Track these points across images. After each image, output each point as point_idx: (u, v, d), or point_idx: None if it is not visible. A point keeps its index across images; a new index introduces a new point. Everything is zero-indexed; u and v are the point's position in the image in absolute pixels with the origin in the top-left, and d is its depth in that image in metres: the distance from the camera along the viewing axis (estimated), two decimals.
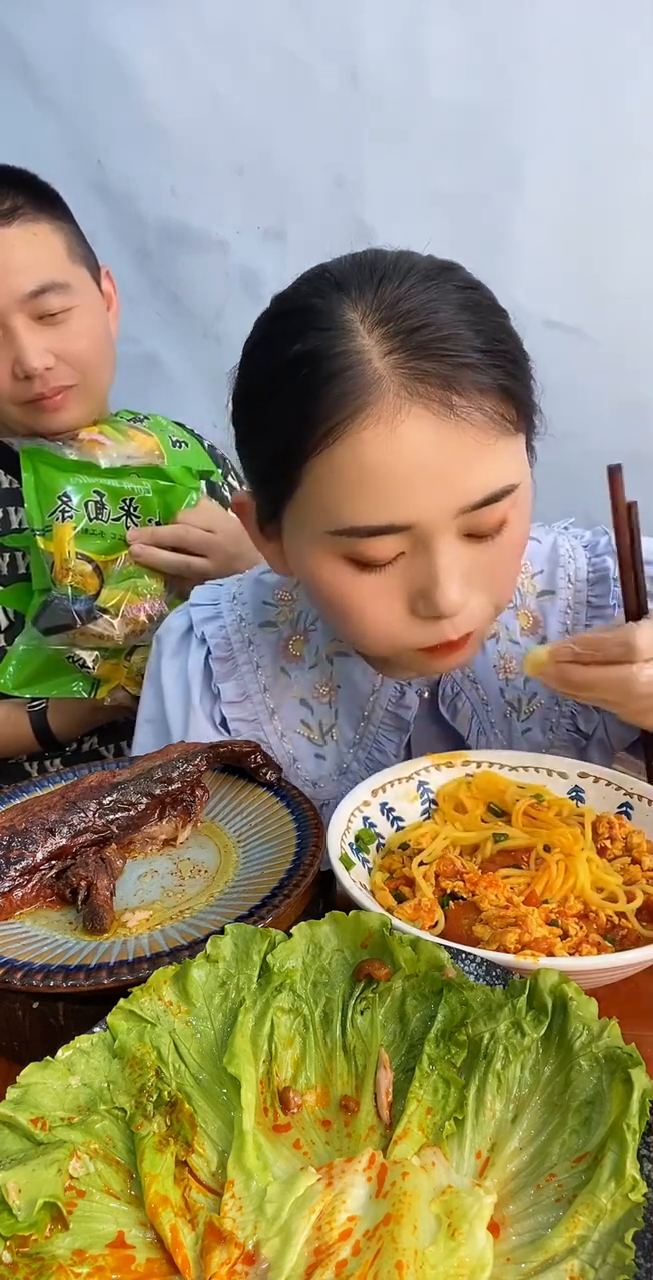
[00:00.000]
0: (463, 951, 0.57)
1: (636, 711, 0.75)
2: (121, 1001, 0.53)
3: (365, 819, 0.80)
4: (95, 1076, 0.51)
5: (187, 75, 1.92)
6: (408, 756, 0.97)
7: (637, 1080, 0.46)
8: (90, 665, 1.26)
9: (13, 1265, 0.42)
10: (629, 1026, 0.50)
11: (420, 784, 0.84)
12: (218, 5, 1.86)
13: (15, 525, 1.33)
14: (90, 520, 1.23)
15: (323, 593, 0.80)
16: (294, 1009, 0.54)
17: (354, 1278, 0.41)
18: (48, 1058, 0.50)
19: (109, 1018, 0.52)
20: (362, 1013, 0.54)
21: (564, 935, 0.66)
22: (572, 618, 0.97)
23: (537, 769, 0.85)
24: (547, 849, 0.74)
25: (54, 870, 0.72)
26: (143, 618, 1.23)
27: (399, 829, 0.81)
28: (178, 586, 1.28)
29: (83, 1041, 0.52)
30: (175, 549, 1.25)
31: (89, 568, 1.23)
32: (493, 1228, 0.43)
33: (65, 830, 0.73)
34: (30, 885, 0.71)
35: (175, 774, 0.80)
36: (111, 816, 0.76)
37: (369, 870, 0.76)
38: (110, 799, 0.77)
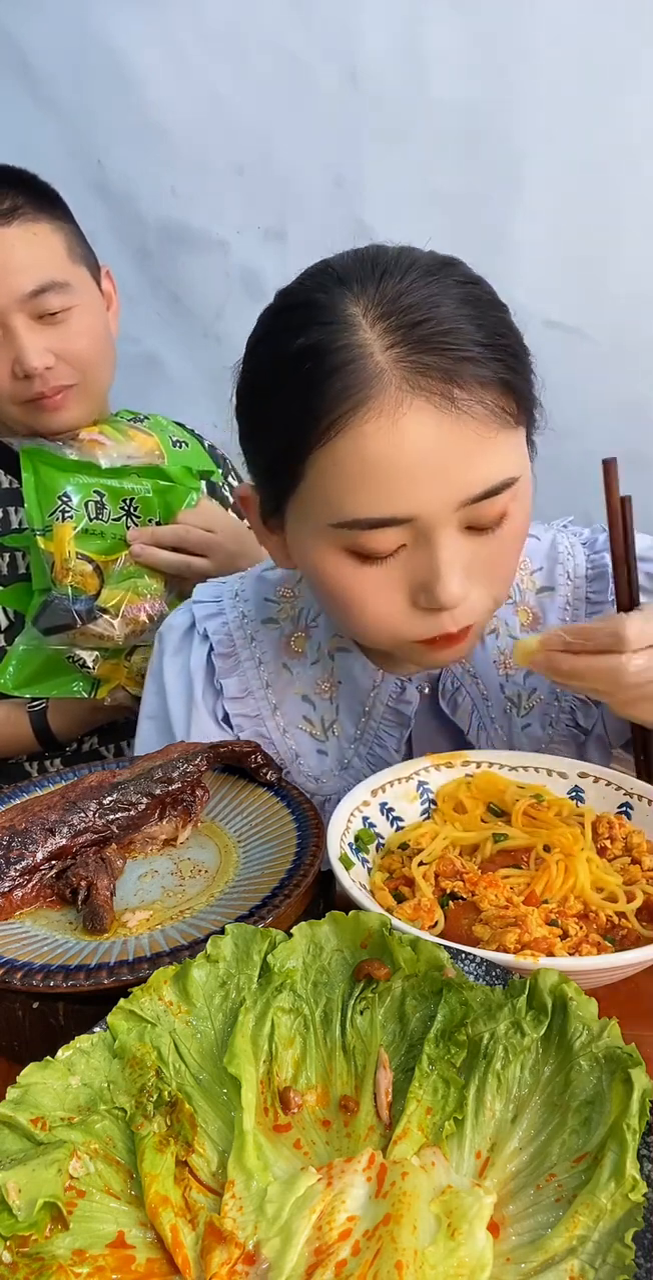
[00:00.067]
0: (463, 951, 0.57)
1: (624, 702, 0.76)
2: (121, 1001, 0.53)
3: (365, 819, 0.80)
4: (95, 1076, 0.51)
5: (187, 75, 1.92)
6: (409, 751, 0.98)
7: (637, 1080, 0.46)
8: (90, 665, 1.26)
9: (13, 1265, 0.42)
10: (629, 1026, 0.50)
11: (420, 784, 0.84)
12: (218, 5, 1.86)
13: (15, 525, 1.33)
14: (90, 520, 1.23)
15: (325, 585, 0.81)
16: (294, 1009, 0.54)
17: (354, 1278, 0.41)
18: (48, 1058, 0.50)
19: (109, 1018, 0.52)
20: (362, 1013, 0.54)
21: (564, 935, 0.66)
22: (571, 614, 0.98)
23: (537, 769, 0.85)
24: (547, 849, 0.74)
25: (54, 870, 0.72)
26: (143, 618, 1.23)
27: (399, 829, 0.81)
28: (178, 586, 1.28)
29: (83, 1041, 0.52)
30: (175, 549, 1.25)
31: (89, 568, 1.23)
32: (493, 1228, 0.43)
33: (65, 830, 0.73)
34: (30, 885, 0.71)
35: (175, 774, 0.80)
36: (111, 816, 0.76)
37: (369, 870, 0.76)
38: (110, 799, 0.77)
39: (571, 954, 0.64)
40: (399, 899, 0.72)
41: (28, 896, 0.71)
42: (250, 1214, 0.44)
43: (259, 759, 0.85)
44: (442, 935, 0.66)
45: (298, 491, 0.78)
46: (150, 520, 1.27)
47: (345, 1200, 0.44)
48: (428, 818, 0.82)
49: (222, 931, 0.56)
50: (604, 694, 0.77)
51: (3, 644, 1.32)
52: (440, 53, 1.75)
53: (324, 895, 0.74)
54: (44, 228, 1.21)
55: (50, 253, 1.21)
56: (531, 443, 0.82)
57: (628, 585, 0.85)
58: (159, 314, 2.14)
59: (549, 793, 0.82)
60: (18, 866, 0.71)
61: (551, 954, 0.62)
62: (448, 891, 0.71)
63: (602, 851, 0.76)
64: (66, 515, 1.22)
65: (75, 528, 1.22)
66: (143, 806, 0.77)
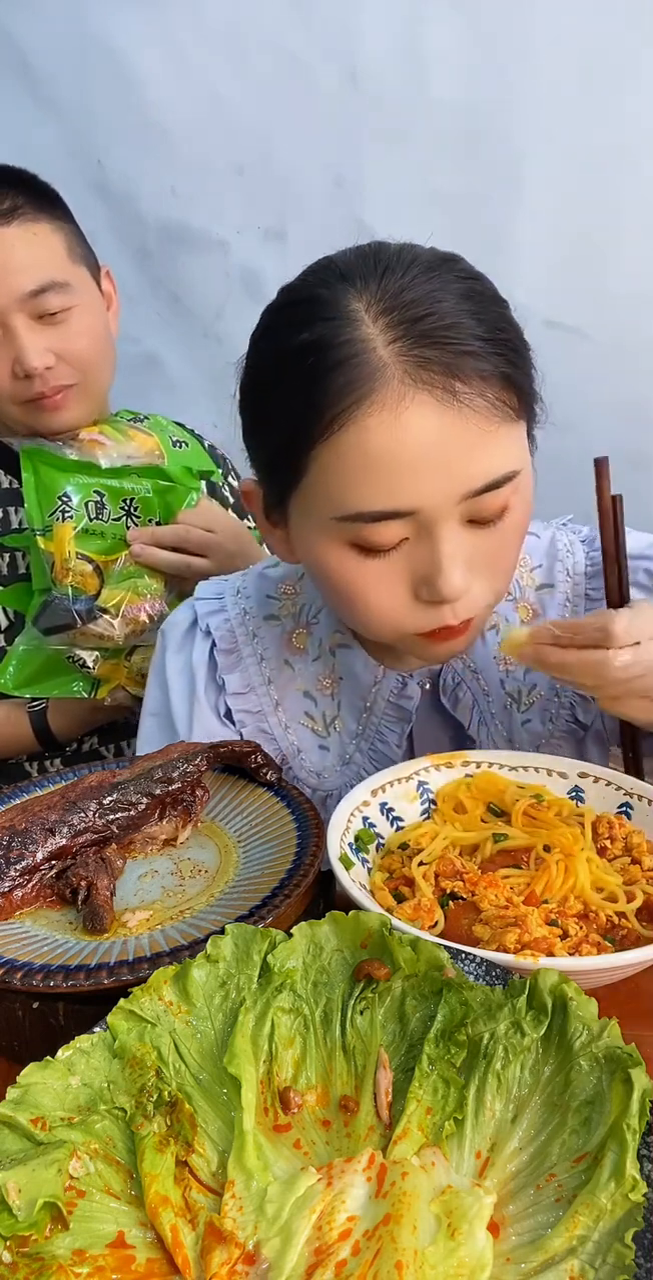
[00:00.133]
0: (463, 951, 0.57)
1: (611, 697, 0.78)
2: (121, 1001, 0.53)
3: (365, 819, 0.80)
4: (95, 1076, 0.51)
5: (187, 75, 1.92)
6: (410, 747, 0.98)
7: (637, 1080, 0.46)
8: (90, 665, 1.26)
9: (13, 1265, 0.42)
10: (629, 1026, 0.50)
11: (420, 784, 0.84)
12: (218, 5, 1.86)
13: (15, 525, 1.33)
14: (90, 520, 1.23)
15: (329, 579, 0.81)
16: (294, 1009, 0.54)
17: (354, 1278, 0.41)
18: (48, 1058, 0.50)
19: (109, 1018, 0.52)
20: (362, 1013, 0.54)
21: (564, 935, 0.66)
22: (571, 610, 0.99)
23: (537, 769, 0.85)
24: (547, 849, 0.74)
25: (54, 870, 0.72)
26: (143, 618, 1.23)
27: (399, 829, 0.81)
28: (178, 586, 1.28)
29: (83, 1041, 0.52)
30: (175, 549, 1.25)
31: (89, 568, 1.23)
32: (493, 1228, 0.43)
33: (65, 830, 0.73)
34: (30, 885, 0.71)
35: (175, 774, 0.80)
36: (111, 816, 0.76)
37: (369, 870, 0.76)
38: (110, 799, 0.77)
39: (571, 954, 0.64)
40: (399, 899, 0.72)
41: (28, 896, 0.71)
42: (250, 1214, 0.44)
43: (259, 759, 0.85)
44: (442, 935, 0.66)
45: (301, 486, 0.79)
46: (150, 520, 1.27)
47: (345, 1200, 0.44)
48: (428, 818, 0.82)
49: (222, 931, 0.56)
50: (591, 688, 0.78)
51: (3, 644, 1.32)
52: (440, 53, 1.75)
53: (324, 895, 0.74)
54: (44, 228, 1.21)
55: (50, 253, 1.21)
56: (531, 437, 0.82)
57: (618, 583, 0.86)
58: (159, 314, 2.14)
59: (549, 793, 0.82)
60: (18, 866, 0.71)
61: (551, 954, 0.62)
62: (448, 891, 0.71)
63: (602, 851, 0.76)
64: (66, 515, 1.22)
65: (75, 528, 1.22)
66: (143, 806, 0.77)
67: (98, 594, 1.22)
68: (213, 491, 1.40)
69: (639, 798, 0.80)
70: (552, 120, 1.72)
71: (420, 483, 0.73)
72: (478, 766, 0.86)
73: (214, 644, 1.01)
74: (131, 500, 1.26)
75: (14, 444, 1.29)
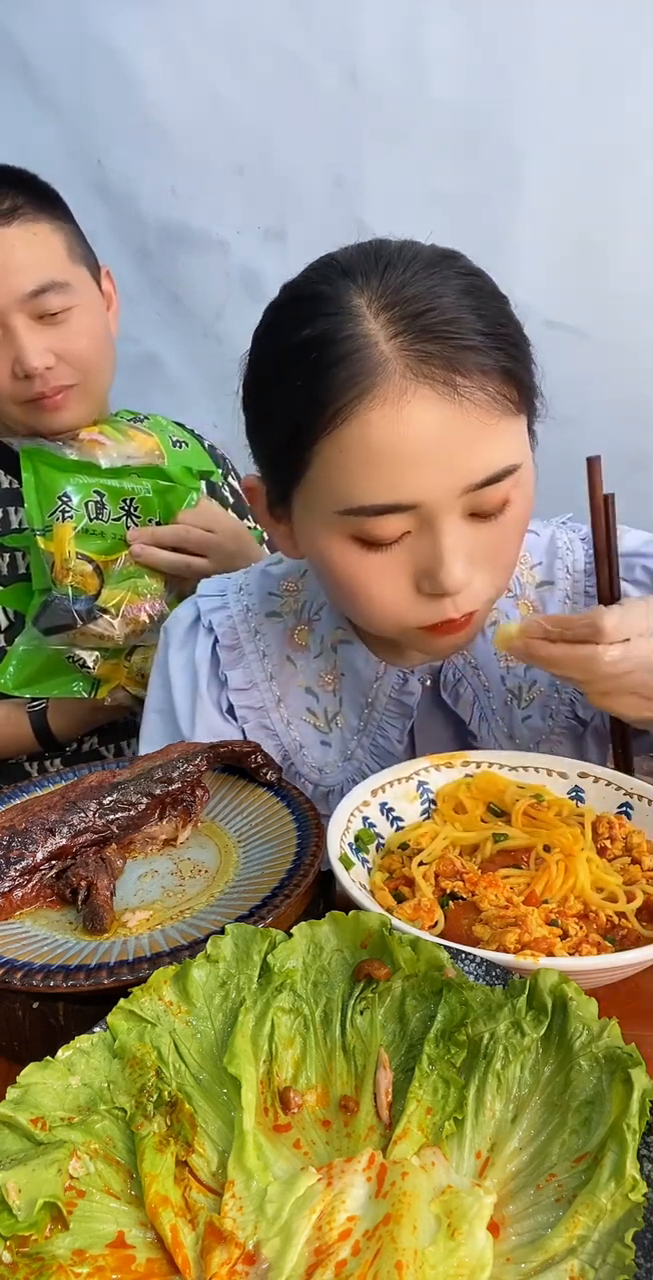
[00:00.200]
0: (463, 951, 0.57)
1: (601, 692, 0.78)
2: (121, 1001, 0.53)
3: (365, 819, 0.80)
4: (95, 1076, 0.51)
5: (187, 75, 1.92)
6: (412, 743, 0.99)
7: (637, 1080, 0.46)
8: (90, 665, 1.26)
9: (13, 1265, 0.42)
10: (629, 1026, 0.50)
11: (420, 784, 0.84)
12: (218, 5, 1.86)
13: (15, 525, 1.33)
14: (90, 520, 1.23)
15: (332, 573, 0.82)
16: (294, 1009, 0.54)
17: (354, 1278, 0.41)
18: (48, 1058, 0.50)
19: (109, 1018, 0.52)
20: (362, 1013, 0.54)
21: (564, 935, 0.66)
22: (570, 608, 1.00)
23: (537, 769, 0.85)
24: (547, 849, 0.74)
25: (54, 870, 0.72)
26: (143, 618, 1.23)
27: (399, 829, 0.81)
28: (178, 586, 1.28)
29: (83, 1041, 0.52)
30: (175, 549, 1.25)
31: (89, 568, 1.23)
32: (493, 1228, 0.43)
33: (65, 830, 0.73)
34: (30, 885, 0.71)
35: (175, 774, 0.80)
36: (111, 816, 0.76)
37: (369, 870, 0.76)
38: (110, 799, 0.77)
39: (571, 954, 0.64)
40: (399, 899, 0.72)
41: (28, 896, 0.71)
42: (250, 1214, 0.44)
43: (259, 759, 0.85)
44: (442, 935, 0.66)
45: (304, 480, 0.79)
46: (150, 520, 1.27)
47: (345, 1200, 0.44)
48: (428, 818, 0.82)
49: (222, 931, 0.56)
50: (581, 683, 0.79)
51: (3, 644, 1.32)
52: (440, 53, 1.75)
53: (324, 895, 0.74)
54: (44, 228, 1.21)
55: (50, 253, 1.21)
56: (532, 432, 0.83)
57: (609, 581, 0.87)
58: (159, 314, 2.14)
59: (549, 793, 0.82)
60: (18, 866, 0.71)
61: (551, 954, 0.62)
62: (448, 891, 0.71)
63: (602, 851, 0.76)
64: (66, 515, 1.22)
65: (75, 528, 1.22)
66: (143, 806, 0.77)
67: (98, 594, 1.22)
68: (213, 491, 1.40)
69: (639, 798, 0.80)
70: (552, 120, 1.72)
71: (422, 476, 0.74)
72: (478, 766, 0.86)
73: (217, 640, 1.01)
74: (131, 500, 1.26)
75: (14, 444, 1.29)
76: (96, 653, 1.26)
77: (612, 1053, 0.48)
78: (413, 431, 0.73)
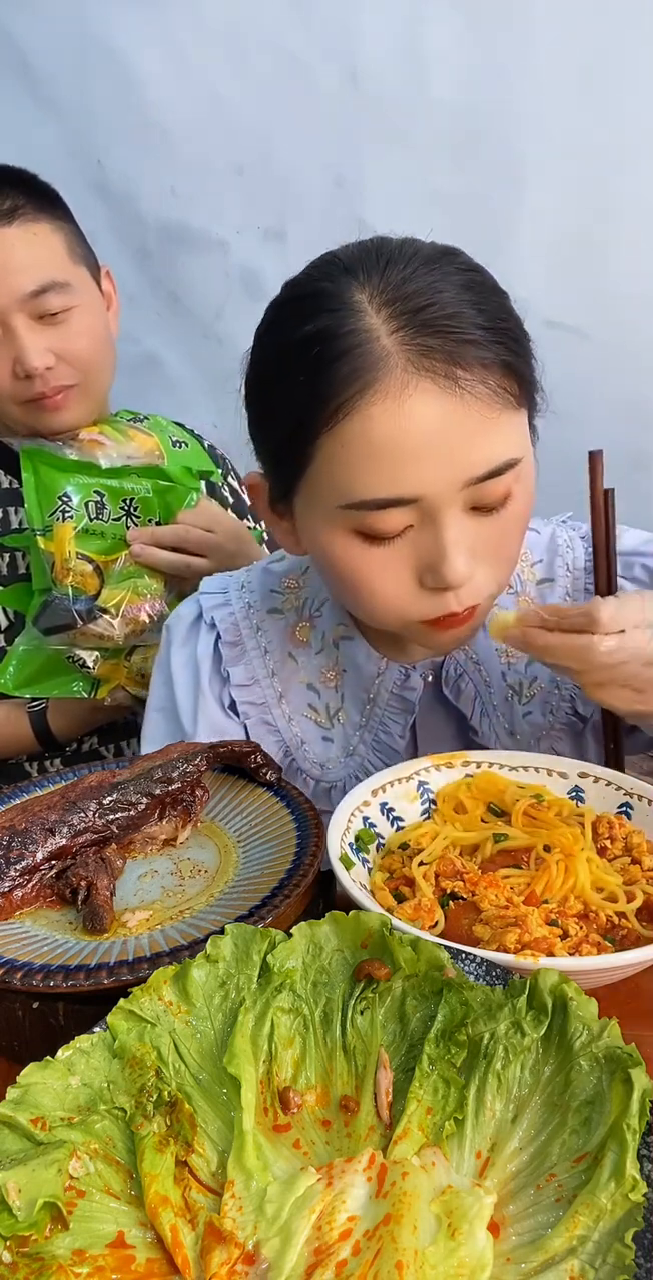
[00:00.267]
0: (463, 951, 0.57)
1: (595, 683, 0.79)
2: (121, 1001, 0.53)
3: (365, 819, 0.80)
4: (95, 1076, 0.51)
5: (187, 75, 1.92)
6: (413, 739, 0.99)
7: (637, 1080, 0.46)
8: (90, 665, 1.26)
9: (13, 1265, 0.42)
10: (629, 1026, 0.50)
11: (420, 784, 0.84)
12: (218, 5, 1.86)
13: (15, 525, 1.33)
14: (90, 520, 1.23)
15: (334, 567, 0.82)
16: (294, 1009, 0.54)
17: (354, 1278, 0.41)
18: (48, 1058, 0.50)
19: (109, 1018, 0.52)
20: (362, 1013, 0.54)
21: (564, 935, 0.66)
22: (570, 605, 0.99)
23: (537, 769, 0.85)
24: (547, 849, 0.74)
25: (54, 870, 0.72)
26: (143, 618, 1.23)
27: (399, 829, 0.81)
28: (178, 586, 1.28)
29: (83, 1041, 0.52)
30: (175, 549, 1.26)
31: (89, 568, 1.23)
32: (493, 1228, 0.43)
33: (65, 830, 0.73)
34: (30, 885, 0.71)
35: (175, 774, 0.80)
36: (111, 816, 0.76)
37: (369, 870, 0.76)
38: (110, 799, 0.77)
39: (571, 954, 0.64)
40: (399, 899, 0.72)
41: (28, 896, 0.71)
42: (250, 1214, 0.44)
43: (259, 759, 0.85)
44: (442, 935, 0.66)
45: (306, 475, 0.80)
46: (150, 520, 1.27)
47: (345, 1200, 0.44)
48: (428, 818, 0.82)
49: (222, 931, 0.56)
50: (575, 673, 0.79)
51: (3, 644, 1.32)
52: (440, 53, 1.75)
53: (324, 895, 0.74)
54: (44, 228, 1.21)
55: (50, 253, 1.21)
56: (532, 427, 0.83)
57: (607, 575, 0.88)
58: (159, 314, 2.14)
59: (549, 793, 0.82)
60: (18, 866, 0.71)
61: (551, 954, 0.62)
62: (448, 891, 0.71)
63: (602, 851, 0.76)
64: (67, 515, 1.22)
65: (75, 528, 1.22)
66: (143, 806, 0.77)
67: (98, 594, 1.22)
68: (213, 491, 1.40)
69: (639, 798, 0.80)
70: (552, 120, 1.73)
71: (423, 470, 0.74)
72: (478, 766, 0.86)
73: (219, 637, 1.02)
74: (132, 500, 1.26)
75: (14, 444, 1.29)
76: (96, 653, 1.26)
77: (612, 1053, 0.48)
78: (414, 425, 0.73)
